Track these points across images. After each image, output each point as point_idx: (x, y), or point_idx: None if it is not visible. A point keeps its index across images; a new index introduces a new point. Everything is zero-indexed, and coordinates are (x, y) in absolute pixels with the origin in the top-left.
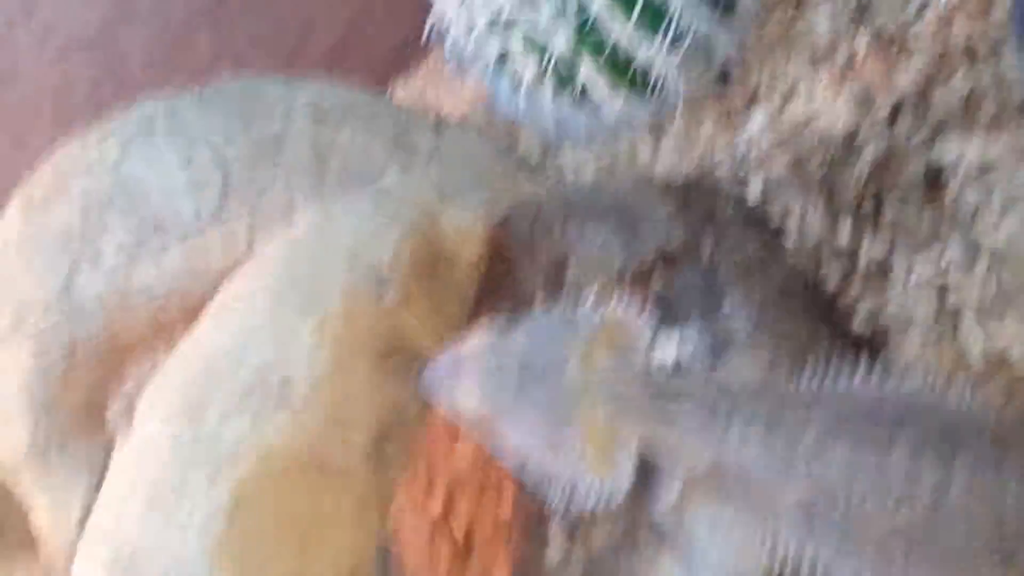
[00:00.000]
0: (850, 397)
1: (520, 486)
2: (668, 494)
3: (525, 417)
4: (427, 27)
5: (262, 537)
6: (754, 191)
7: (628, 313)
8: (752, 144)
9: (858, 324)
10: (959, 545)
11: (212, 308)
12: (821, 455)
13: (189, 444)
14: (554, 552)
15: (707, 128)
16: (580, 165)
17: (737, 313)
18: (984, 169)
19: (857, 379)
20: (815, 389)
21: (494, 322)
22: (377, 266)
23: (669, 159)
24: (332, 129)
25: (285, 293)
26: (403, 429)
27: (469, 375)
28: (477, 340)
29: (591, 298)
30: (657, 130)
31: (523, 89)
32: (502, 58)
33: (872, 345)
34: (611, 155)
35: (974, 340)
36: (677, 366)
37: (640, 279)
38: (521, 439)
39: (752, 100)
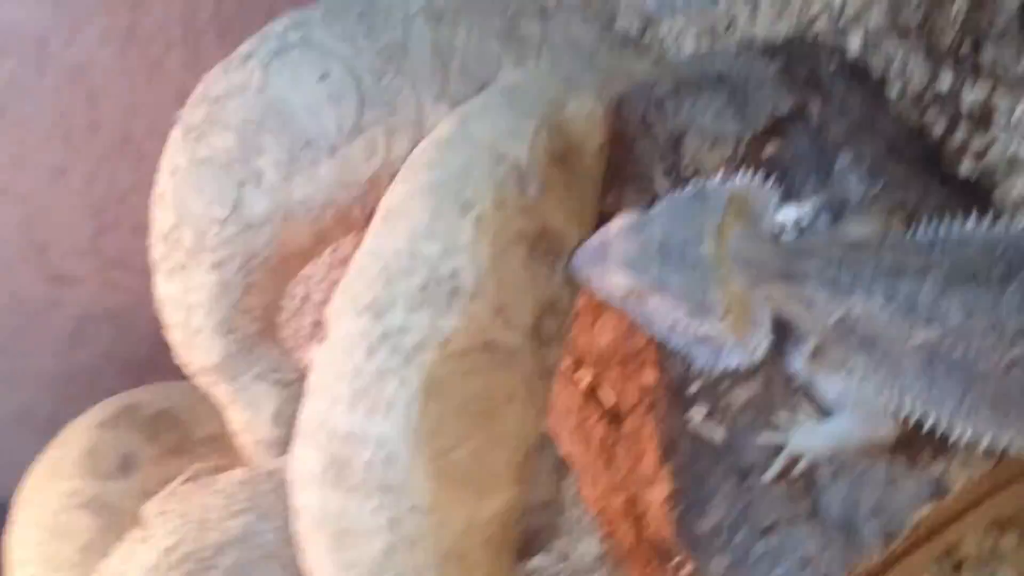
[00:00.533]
0: (964, 242)
1: (661, 355)
2: (803, 349)
3: (669, 290)
4: None
5: (451, 417)
6: (854, 43)
7: (752, 183)
8: None
9: (966, 169)
10: None
11: (380, 213)
12: (940, 300)
13: (379, 338)
14: (697, 413)
15: None
16: (680, 34)
17: (850, 172)
18: None
19: (969, 224)
20: (931, 237)
21: (632, 208)
22: (518, 160)
23: (767, 19)
24: (449, 29)
25: (442, 193)
26: (557, 310)
27: (615, 257)
28: (619, 224)
29: (716, 173)
30: None
31: None
32: None
33: (981, 188)
34: (710, 22)
35: None
36: (799, 228)
37: (756, 147)
38: (667, 311)
39: None
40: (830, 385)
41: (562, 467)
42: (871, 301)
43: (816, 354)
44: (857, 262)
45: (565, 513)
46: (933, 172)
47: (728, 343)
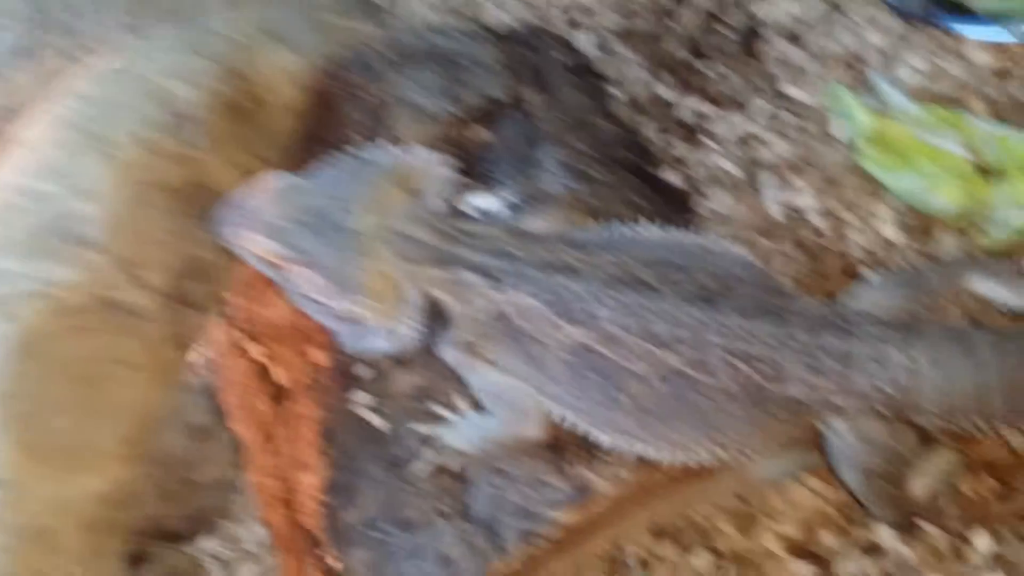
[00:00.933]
0: (634, 246)
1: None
2: (454, 339)
3: (313, 262)
4: None
5: (52, 381)
6: (586, 44)
7: (429, 160)
8: None
9: (674, 178)
10: (717, 384)
11: (13, 146)
12: (595, 302)
13: None
14: (362, 398)
15: None
16: (428, 10)
17: (554, 168)
18: (795, 24)
19: (643, 229)
20: (602, 239)
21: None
22: (181, 103)
23: (513, 8)
24: None
25: (81, 128)
26: (208, 270)
27: (259, 219)
28: (269, 184)
29: (391, 143)
30: None
31: None
32: None
33: (686, 198)
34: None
35: (774, 195)
36: (483, 216)
37: (462, 129)
38: (310, 284)
39: None
40: (480, 379)
41: (239, 445)
42: (524, 295)
43: (467, 345)
44: (517, 255)
45: (239, 494)
46: (642, 178)
47: (372, 324)
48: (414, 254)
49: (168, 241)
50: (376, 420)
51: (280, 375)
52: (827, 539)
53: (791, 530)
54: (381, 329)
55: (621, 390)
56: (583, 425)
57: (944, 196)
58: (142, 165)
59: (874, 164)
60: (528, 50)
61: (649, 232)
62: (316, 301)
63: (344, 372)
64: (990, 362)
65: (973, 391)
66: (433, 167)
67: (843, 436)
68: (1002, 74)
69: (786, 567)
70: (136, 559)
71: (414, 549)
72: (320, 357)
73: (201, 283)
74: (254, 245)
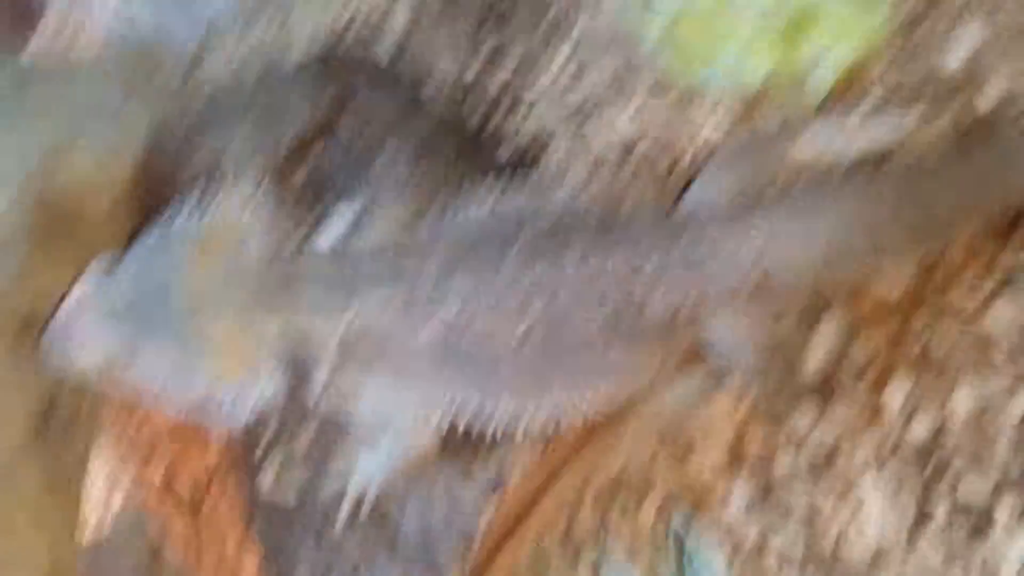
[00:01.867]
0: (467, 225)
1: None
2: (318, 379)
3: (151, 352)
4: None
5: None
6: (386, 49)
7: (238, 210)
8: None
9: (506, 152)
10: (581, 333)
11: None
12: (441, 290)
13: None
14: (265, 479)
15: None
16: (229, 61)
17: (384, 176)
18: None
19: (473, 206)
20: (437, 227)
21: (98, 261)
22: None
23: (315, 39)
24: None
25: None
26: (72, 400)
27: (81, 328)
28: (82, 286)
29: (190, 205)
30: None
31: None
32: None
33: (525, 170)
34: (256, 42)
35: (597, 132)
36: (337, 245)
37: (287, 170)
38: (155, 377)
39: None
40: (356, 410)
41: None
42: (369, 308)
43: (331, 381)
44: (353, 271)
45: None
46: (475, 161)
47: (232, 392)
48: (248, 310)
49: (17, 383)
50: (287, 496)
51: (186, 489)
52: (754, 446)
53: (719, 453)
54: (240, 393)
55: (490, 370)
56: (469, 417)
57: (758, 63)
58: None
59: (684, 62)
60: (330, 76)
61: (481, 206)
62: (169, 394)
63: (244, 459)
64: (838, 214)
65: (830, 248)
66: (247, 217)
67: (724, 339)
68: None
69: (730, 487)
70: None
71: None
72: (214, 453)
73: (70, 414)
74: (88, 360)
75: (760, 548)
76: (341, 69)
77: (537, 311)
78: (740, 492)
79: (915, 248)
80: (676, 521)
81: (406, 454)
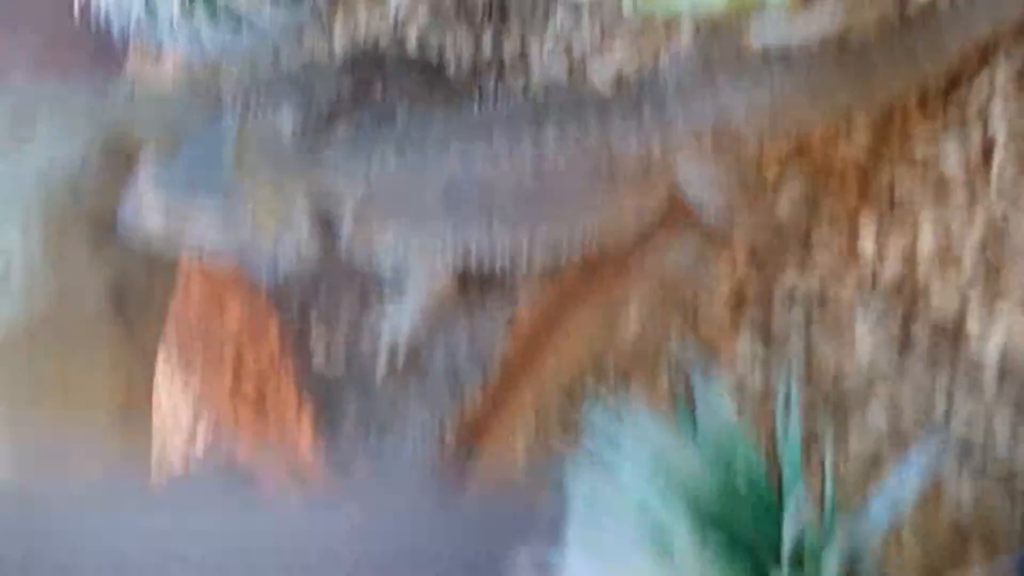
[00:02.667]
0: (463, 115)
1: (279, 310)
2: (344, 231)
3: (204, 210)
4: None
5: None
6: (411, 44)
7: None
8: (400, 5)
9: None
10: (565, 180)
11: None
12: (445, 151)
13: None
14: (318, 358)
15: (362, 11)
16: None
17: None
18: None
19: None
20: (444, 127)
21: (157, 149)
22: (70, 180)
23: (340, 45)
24: None
25: None
26: (139, 288)
27: (147, 197)
28: (144, 167)
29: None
30: (318, 27)
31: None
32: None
33: None
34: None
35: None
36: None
37: (320, 123)
38: (207, 232)
39: None
40: (379, 259)
41: None
42: (384, 160)
43: (355, 232)
44: (369, 142)
45: None
46: None
47: (273, 245)
48: (283, 172)
49: (92, 266)
50: (336, 369)
51: (252, 385)
52: (752, 292)
53: (722, 309)
54: (283, 246)
55: (489, 212)
56: (476, 253)
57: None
58: (50, 223)
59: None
60: (365, 59)
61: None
62: (221, 243)
63: (296, 339)
64: (789, 75)
65: (782, 102)
66: (274, 116)
67: (694, 181)
68: None
69: (738, 345)
70: None
71: (395, 440)
72: (273, 337)
73: (137, 299)
74: (153, 223)
75: (765, 393)
76: (374, 56)
77: (525, 166)
78: (744, 341)
79: (863, 106)
80: (687, 367)
81: (427, 299)
